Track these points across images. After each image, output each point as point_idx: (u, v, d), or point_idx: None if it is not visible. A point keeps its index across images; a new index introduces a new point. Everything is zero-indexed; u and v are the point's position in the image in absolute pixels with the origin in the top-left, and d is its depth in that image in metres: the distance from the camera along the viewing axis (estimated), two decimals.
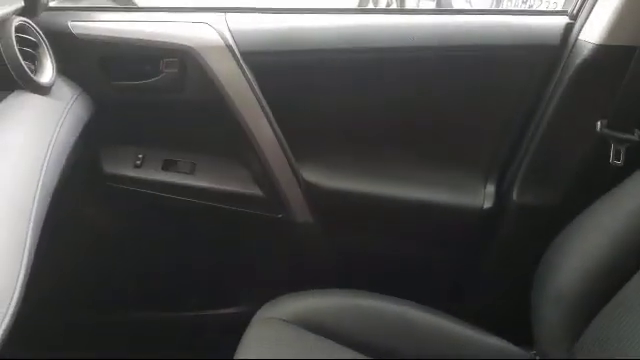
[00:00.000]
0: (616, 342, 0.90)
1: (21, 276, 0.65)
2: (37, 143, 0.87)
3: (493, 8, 2.61)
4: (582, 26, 1.06)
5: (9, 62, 0.93)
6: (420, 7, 2.87)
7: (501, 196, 1.18)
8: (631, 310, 0.90)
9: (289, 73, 1.14)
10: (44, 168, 0.83)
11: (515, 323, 1.09)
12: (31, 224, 0.71)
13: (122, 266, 1.33)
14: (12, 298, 0.61)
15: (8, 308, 0.60)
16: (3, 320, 0.58)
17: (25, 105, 0.94)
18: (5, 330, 0.58)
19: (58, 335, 1.32)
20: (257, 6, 1.17)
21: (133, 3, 1.48)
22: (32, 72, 0.96)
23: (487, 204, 1.17)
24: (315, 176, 1.19)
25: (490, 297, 1.24)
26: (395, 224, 1.22)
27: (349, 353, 1.00)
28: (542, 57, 1.09)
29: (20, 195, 0.74)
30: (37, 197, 0.76)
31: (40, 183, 0.79)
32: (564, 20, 1.09)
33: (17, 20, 0.96)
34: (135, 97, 1.16)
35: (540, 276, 1.08)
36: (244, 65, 1.09)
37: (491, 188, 1.19)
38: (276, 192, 1.18)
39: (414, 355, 1.03)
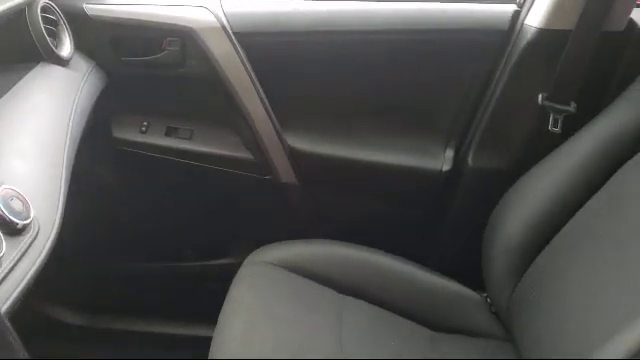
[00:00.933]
0: (549, 280, 1.04)
1: (60, 205, 0.80)
2: (63, 104, 1.01)
3: None
4: (527, 13, 1.19)
5: (36, 37, 1.08)
6: None
7: (458, 160, 1.30)
8: (561, 253, 1.04)
9: (277, 52, 1.27)
10: (70, 123, 0.97)
11: (471, 271, 1.23)
12: (64, 166, 0.86)
13: (126, 220, 1.44)
14: (55, 220, 0.76)
15: (53, 227, 0.75)
16: (51, 233, 0.73)
17: (49, 74, 1.08)
18: (52, 242, 0.73)
19: (63, 285, 1.41)
20: None
21: None
22: (54, 47, 1.12)
23: (446, 167, 1.30)
24: (299, 142, 1.32)
25: (450, 248, 1.36)
26: (367, 184, 1.34)
27: (324, 289, 1.14)
28: (493, 40, 1.22)
29: (54, 141, 0.89)
30: (67, 145, 0.91)
31: (68, 135, 0.94)
32: (512, 8, 1.23)
33: (42, 1, 1.11)
34: (141, 71, 1.29)
35: (489, 229, 1.21)
36: (237, 44, 1.22)
37: (450, 153, 1.31)
38: (264, 156, 1.31)
39: (378, 293, 1.17)
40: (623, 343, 0.75)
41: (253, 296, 1.10)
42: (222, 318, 1.05)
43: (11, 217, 0.65)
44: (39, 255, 0.68)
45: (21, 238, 0.66)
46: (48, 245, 0.69)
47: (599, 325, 0.85)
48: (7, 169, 0.73)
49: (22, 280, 0.64)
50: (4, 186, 0.67)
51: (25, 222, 0.66)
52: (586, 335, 0.86)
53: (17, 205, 0.67)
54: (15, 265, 0.63)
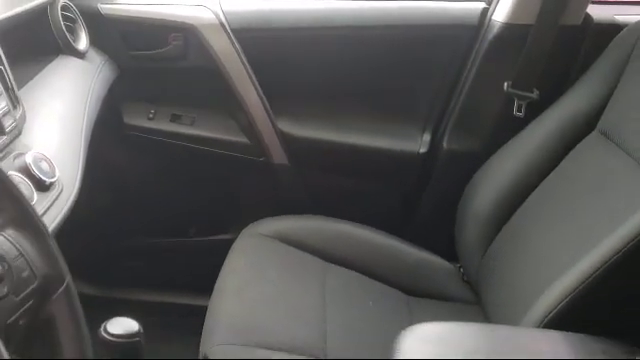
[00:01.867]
0: (509, 247, 1.16)
1: (80, 170, 0.94)
2: (80, 90, 1.16)
3: None
4: (494, 10, 1.32)
5: (56, 33, 1.23)
6: None
7: (434, 143, 1.42)
8: (522, 223, 1.17)
9: (270, 46, 1.41)
10: (86, 106, 1.11)
11: (446, 243, 1.34)
12: (82, 139, 1.01)
13: (133, 199, 1.56)
14: (76, 182, 0.91)
15: (74, 187, 0.89)
16: (72, 191, 0.87)
17: (68, 65, 1.23)
18: (73, 199, 0.87)
19: (80, 258, 1.53)
20: None
21: None
22: (72, 41, 1.27)
23: (423, 149, 1.42)
24: (290, 127, 1.44)
25: (426, 223, 1.47)
26: (351, 165, 1.46)
27: (311, 257, 1.27)
28: (464, 33, 1.36)
29: (73, 120, 1.03)
30: (84, 124, 1.05)
31: (85, 116, 1.08)
32: (481, 5, 1.36)
33: (62, 1, 1.26)
34: (148, 64, 1.43)
35: (461, 205, 1.33)
36: (234, 39, 1.36)
37: (427, 137, 1.43)
38: (258, 140, 1.44)
39: (359, 261, 1.28)
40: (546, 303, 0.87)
41: (247, 262, 1.23)
42: (220, 279, 1.18)
43: (40, 175, 0.79)
44: (63, 208, 0.82)
45: (48, 193, 0.80)
46: (71, 200, 0.84)
47: (543, 278, 0.98)
48: (36, 138, 0.87)
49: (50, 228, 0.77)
50: (34, 150, 0.82)
51: (52, 180, 0.80)
52: (533, 290, 0.97)
53: (45, 166, 0.81)
54: (44, 214, 0.77)
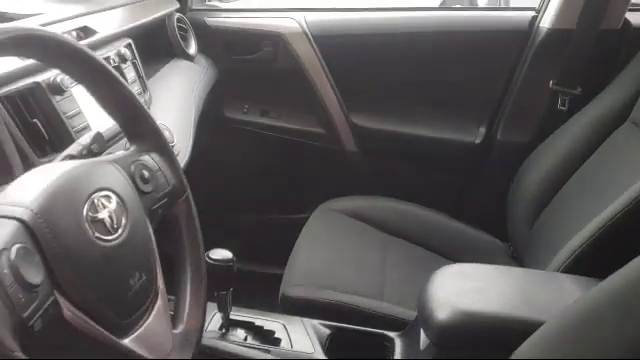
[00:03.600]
0: (549, 222, 1.30)
1: (191, 142, 1.21)
2: (191, 86, 1.45)
3: (488, 6, 3.02)
4: (542, 17, 1.51)
5: (172, 40, 1.53)
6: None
7: (489, 135, 1.60)
8: (560, 203, 1.31)
9: (345, 51, 1.65)
10: (195, 100, 1.40)
11: (499, 225, 1.49)
12: (192, 120, 1.28)
13: (227, 179, 1.80)
14: (188, 149, 1.18)
15: (186, 152, 1.16)
16: (185, 155, 1.14)
17: (181, 66, 1.52)
18: (186, 161, 1.13)
19: None
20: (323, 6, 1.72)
21: None
22: (184, 47, 1.57)
23: (478, 140, 1.61)
24: (360, 120, 1.67)
25: (482, 206, 1.64)
26: (414, 153, 1.67)
27: (374, 230, 1.46)
28: (516, 38, 1.54)
29: (186, 106, 1.31)
30: (193, 110, 1.34)
31: (194, 107, 1.36)
32: (531, 13, 1.54)
33: (176, 15, 1.56)
34: (244, 67, 1.71)
35: (512, 189, 1.47)
36: (315, 45, 1.62)
37: (482, 129, 1.61)
38: (333, 130, 1.69)
39: (417, 235, 1.45)
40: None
41: (321, 231, 1.45)
42: (297, 242, 1.41)
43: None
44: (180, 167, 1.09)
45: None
46: (185, 161, 1.11)
47: (569, 233, 1.13)
48: (160, 115, 1.15)
49: None
50: (159, 122, 1.09)
51: (172, 144, 1.08)
52: (560, 243, 1.10)
53: (167, 134, 1.08)
54: None
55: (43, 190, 0.58)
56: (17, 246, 0.52)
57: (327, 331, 1.12)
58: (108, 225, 0.61)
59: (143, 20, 1.34)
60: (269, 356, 1.04)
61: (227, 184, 1.83)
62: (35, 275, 0.52)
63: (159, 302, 0.68)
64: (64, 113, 0.92)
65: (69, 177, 0.61)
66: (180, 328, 0.73)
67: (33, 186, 0.58)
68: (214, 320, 1.11)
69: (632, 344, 0.56)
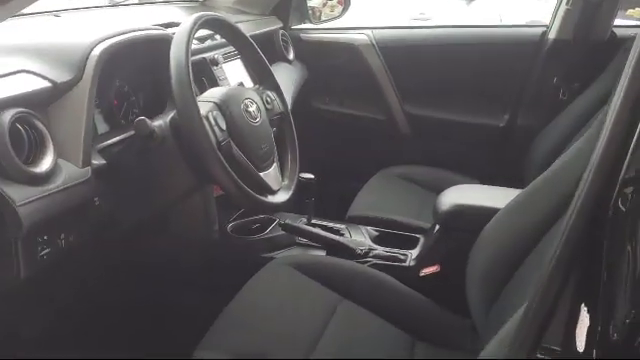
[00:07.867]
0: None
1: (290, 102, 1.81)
2: (289, 83, 2.03)
3: (508, 23, 3.44)
4: (549, 30, 2.01)
5: (277, 48, 2.14)
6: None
7: (511, 119, 2.09)
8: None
9: (401, 57, 2.20)
10: (292, 92, 2.01)
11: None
12: (289, 104, 1.89)
13: (312, 153, 2.36)
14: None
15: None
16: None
17: (281, 67, 2.12)
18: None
19: None
20: (387, 24, 2.30)
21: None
22: (285, 53, 2.18)
23: (502, 124, 2.11)
24: (412, 109, 2.22)
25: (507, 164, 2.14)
26: (452, 135, 2.18)
27: (420, 189, 1.99)
28: (530, 47, 2.04)
29: (287, 94, 1.93)
30: (290, 102, 1.95)
31: (291, 98, 1.97)
32: (542, 28, 2.04)
33: (280, 31, 2.19)
34: (327, 69, 2.30)
35: (532, 149, 1.95)
36: (379, 53, 2.19)
37: (506, 116, 2.11)
38: (391, 117, 2.24)
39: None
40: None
41: (378, 187, 1.97)
42: (366, 186, 1.96)
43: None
44: (287, 103, 1.68)
45: None
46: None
47: None
48: None
49: None
50: None
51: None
52: None
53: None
54: None
55: (223, 93, 1.18)
56: (214, 112, 1.11)
57: (375, 233, 1.67)
58: (253, 114, 1.20)
59: (258, 31, 1.97)
60: (338, 237, 1.60)
61: (312, 155, 2.39)
62: (221, 127, 1.11)
63: (274, 163, 1.26)
64: (218, 77, 1.54)
65: (234, 89, 1.21)
66: (286, 180, 1.31)
67: (217, 90, 1.19)
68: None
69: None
